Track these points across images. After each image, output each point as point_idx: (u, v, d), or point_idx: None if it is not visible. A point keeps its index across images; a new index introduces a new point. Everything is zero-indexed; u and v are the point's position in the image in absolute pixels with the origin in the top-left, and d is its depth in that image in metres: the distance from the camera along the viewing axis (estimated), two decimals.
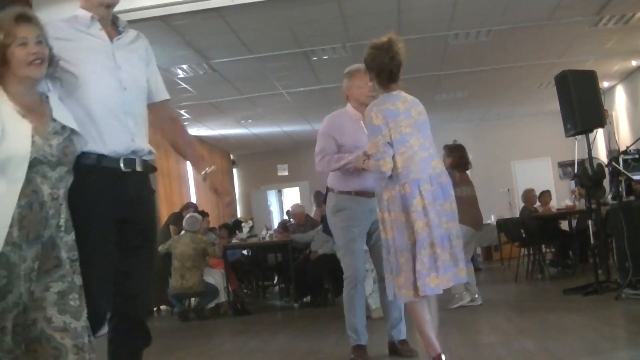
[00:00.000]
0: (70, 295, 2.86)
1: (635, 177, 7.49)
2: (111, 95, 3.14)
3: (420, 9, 8.91)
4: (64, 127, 2.92)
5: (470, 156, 16.65)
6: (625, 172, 7.41)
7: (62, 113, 2.95)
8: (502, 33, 10.17)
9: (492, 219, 14.67)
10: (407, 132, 4.17)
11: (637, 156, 7.76)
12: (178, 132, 3.60)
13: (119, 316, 3.23)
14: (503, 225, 12.01)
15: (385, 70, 4.24)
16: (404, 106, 4.24)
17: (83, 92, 3.08)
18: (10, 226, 2.69)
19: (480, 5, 8.92)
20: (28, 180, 2.75)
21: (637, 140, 8.14)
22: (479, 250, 14.79)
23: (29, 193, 2.75)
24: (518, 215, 11.71)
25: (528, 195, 11.52)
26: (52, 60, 2.95)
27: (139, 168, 3.20)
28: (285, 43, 9.81)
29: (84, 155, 3.04)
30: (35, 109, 2.88)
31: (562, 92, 7.78)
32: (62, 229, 2.89)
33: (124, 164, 3.14)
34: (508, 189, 17.65)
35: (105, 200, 3.08)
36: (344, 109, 5.20)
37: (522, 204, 11.78)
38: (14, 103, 2.82)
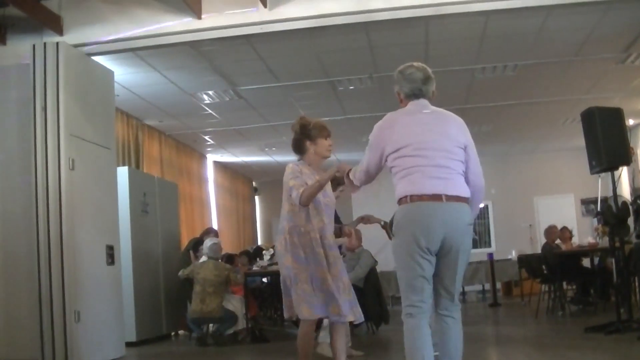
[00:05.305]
0: None
1: None
2: None
3: (447, 41, 8.95)
4: None
5: (493, 191, 16.86)
6: None
7: None
8: (528, 68, 10.20)
9: (513, 254, 14.57)
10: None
11: None
12: None
13: None
14: (524, 260, 11.92)
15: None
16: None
17: None
18: None
19: (507, 39, 8.95)
20: None
21: None
22: (498, 285, 14.69)
23: None
24: (539, 251, 11.62)
25: (550, 231, 11.46)
26: None
27: None
28: (312, 72, 9.90)
29: None
30: None
31: (588, 129, 7.73)
32: None
33: None
34: (530, 225, 17.58)
35: None
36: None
37: (543, 240, 11.70)
38: None
